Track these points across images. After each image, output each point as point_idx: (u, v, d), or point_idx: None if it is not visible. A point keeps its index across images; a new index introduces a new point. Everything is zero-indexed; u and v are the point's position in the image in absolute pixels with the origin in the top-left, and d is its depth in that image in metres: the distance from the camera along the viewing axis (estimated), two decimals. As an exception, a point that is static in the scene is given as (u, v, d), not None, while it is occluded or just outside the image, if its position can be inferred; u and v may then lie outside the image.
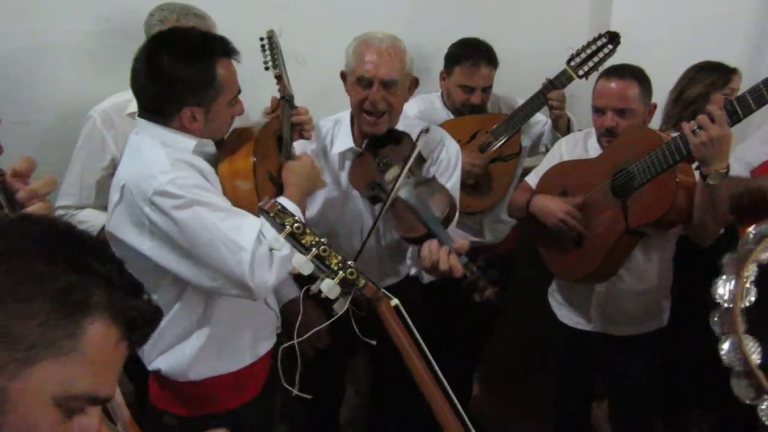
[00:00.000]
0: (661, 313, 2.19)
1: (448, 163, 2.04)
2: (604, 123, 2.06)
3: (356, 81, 1.91)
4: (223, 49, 1.56)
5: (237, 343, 1.68)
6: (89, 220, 2.02)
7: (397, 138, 1.97)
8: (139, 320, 0.75)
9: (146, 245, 1.48)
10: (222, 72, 1.53)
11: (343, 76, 2.01)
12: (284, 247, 1.46)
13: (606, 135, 2.08)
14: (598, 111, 2.08)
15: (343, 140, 2.03)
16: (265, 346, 1.77)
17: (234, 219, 1.48)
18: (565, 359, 2.36)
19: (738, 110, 1.67)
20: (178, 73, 1.47)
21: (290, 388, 1.44)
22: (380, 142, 1.98)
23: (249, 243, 1.45)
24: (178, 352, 1.61)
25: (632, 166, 1.93)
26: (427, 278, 1.95)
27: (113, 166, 2.03)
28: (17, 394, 0.67)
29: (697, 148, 1.71)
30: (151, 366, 1.65)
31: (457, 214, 1.87)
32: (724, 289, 1.50)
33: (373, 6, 2.56)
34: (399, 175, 1.78)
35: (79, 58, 2.24)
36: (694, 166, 1.86)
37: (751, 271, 1.49)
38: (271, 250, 1.37)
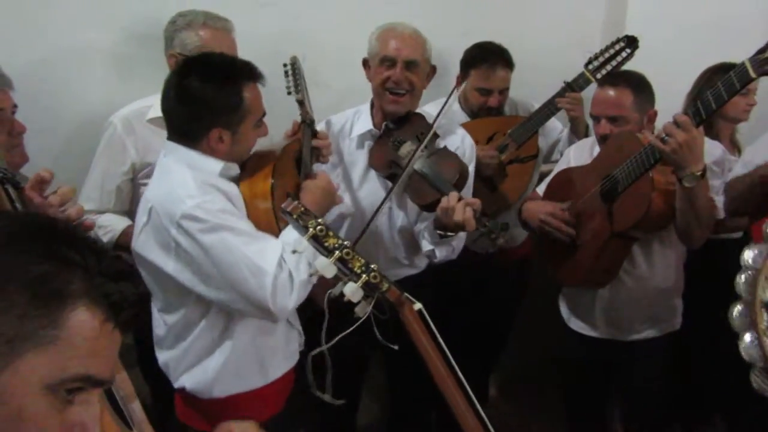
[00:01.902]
0: (671, 318, 2.17)
1: (463, 154, 2.11)
2: (598, 131, 2.09)
3: (380, 62, 2.04)
4: (250, 73, 1.61)
5: (259, 360, 1.70)
6: (109, 224, 2.03)
7: (410, 118, 2.10)
8: (123, 303, 0.76)
9: (170, 265, 1.52)
10: (248, 95, 1.58)
11: (365, 63, 2.13)
12: (305, 270, 1.51)
13: (602, 142, 2.10)
14: (594, 119, 2.10)
15: (362, 124, 2.15)
16: (288, 363, 1.78)
17: (257, 243, 1.52)
18: (576, 364, 2.35)
19: (701, 111, 1.68)
20: (207, 95, 1.53)
21: (321, 395, 1.44)
22: (396, 126, 2.10)
23: (272, 267, 1.49)
24: (202, 370, 1.64)
25: (616, 171, 1.95)
26: (439, 256, 2.01)
27: (133, 171, 2.06)
28: (6, 388, 0.67)
29: (668, 155, 1.72)
30: (177, 383, 1.68)
31: (469, 179, 2.03)
32: (745, 282, 1.47)
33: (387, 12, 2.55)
34: (417, 148, 1.96)
35: (99, 66, 2.26)
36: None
37: None
38: (294, 252, 1.38)
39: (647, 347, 2.14)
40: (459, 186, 1.92)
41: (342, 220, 2.15)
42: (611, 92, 2.04)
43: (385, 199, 2.00)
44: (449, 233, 1.90)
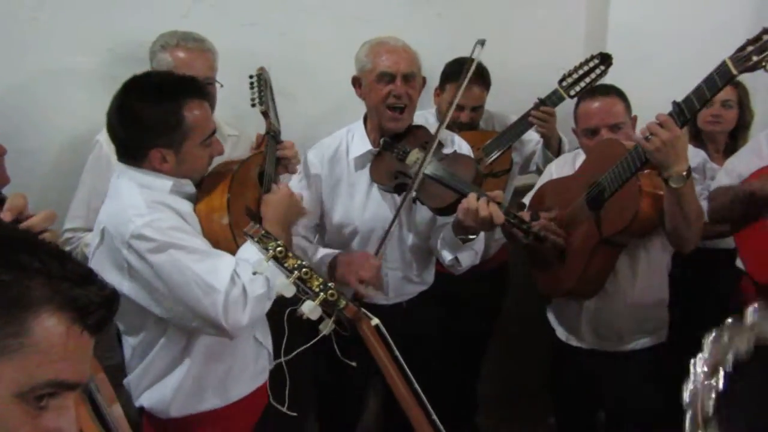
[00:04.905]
0: (657, 329, 2.17)
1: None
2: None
3: (377, 78, 1.98)
4: (192, 90, 1.57)
5: (219, 380, 1.67)
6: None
7: (410, 131, 2.07)
8: (90, 306, 0.75)
9: (125, 285, 1.50)
10: (191, 113, 1.54)
11: (356, 81, 2.08)
12: (260, 285, 1.51)
13: None
14: (592, 132, 2.09)
15: (359, 144, 2.10)
16: (253, 384, 1.75)
17: (209, 260, 1.50)
18: (565, 374, 2.36)
19: (684, 110, 1.71)
20: (145, 114, 1.50)
21: (279, 406, 1.48)
22: (394, 140, 2.05)
23: (223, 285, 1.47)
24: (160, 388, 1.63)
25: (602, 177, 1.97)
26: (464, 264, 1.98)
27: None
28: None
29: (652, 154, 1.75)
30: (137, 402, 1.66)
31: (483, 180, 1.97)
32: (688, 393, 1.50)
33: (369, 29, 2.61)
34: (427, 152, 1.91)
35: (84, 88, 2.29)
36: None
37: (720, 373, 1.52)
38: (254, 273, 1.38)
39: (634, 359, 2.15)
40: (477, 184, 1.89)
41: (350, 239, 2.12)
42: (605, 102, 2.06)
43: (399, 209, 1.96)
44: (471, 236, 1.88)
